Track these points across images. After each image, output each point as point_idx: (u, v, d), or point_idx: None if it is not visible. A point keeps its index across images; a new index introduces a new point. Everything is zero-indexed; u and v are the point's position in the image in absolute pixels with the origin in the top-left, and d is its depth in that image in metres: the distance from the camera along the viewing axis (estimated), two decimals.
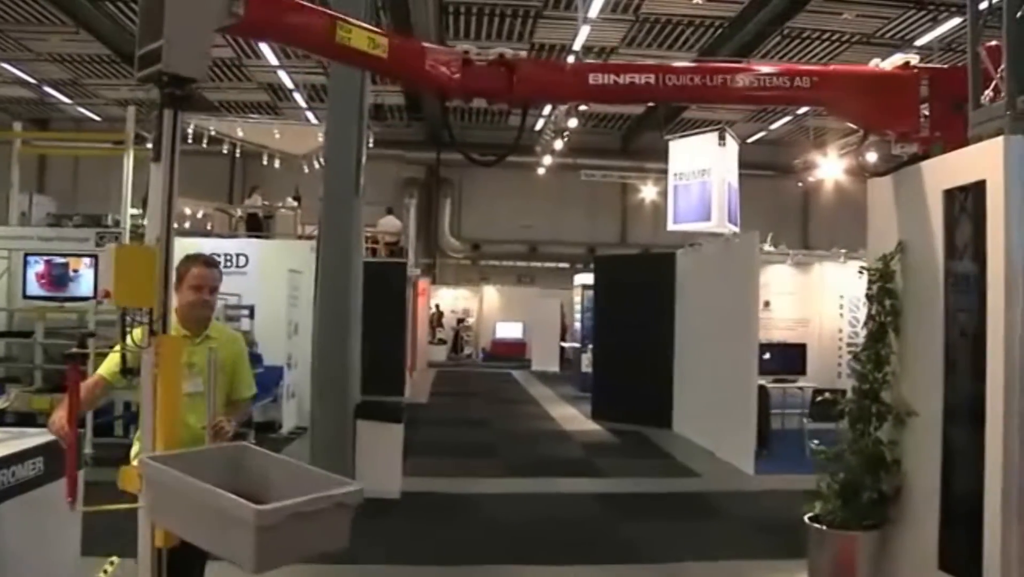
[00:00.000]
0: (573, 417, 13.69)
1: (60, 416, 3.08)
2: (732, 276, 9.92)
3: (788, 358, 11.19)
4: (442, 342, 25.85)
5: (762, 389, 9.96)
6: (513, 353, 25.31)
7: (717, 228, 11.29)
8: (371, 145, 8.70)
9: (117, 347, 3.08)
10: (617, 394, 12.58)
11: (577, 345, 18.71)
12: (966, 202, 4.06)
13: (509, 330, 26.21)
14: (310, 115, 20.15)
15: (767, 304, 12.39)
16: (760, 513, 7.54)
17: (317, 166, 13.56)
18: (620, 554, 6.07)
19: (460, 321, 27.04)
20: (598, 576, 5.65)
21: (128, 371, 3.07)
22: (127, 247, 4.20)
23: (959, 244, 4.12)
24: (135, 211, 10.27)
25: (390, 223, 16.62)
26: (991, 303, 3.80)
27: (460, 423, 12.88)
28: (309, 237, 11.96)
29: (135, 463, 2.86)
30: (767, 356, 10.26)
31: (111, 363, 3.28)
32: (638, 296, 12.41)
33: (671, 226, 11.91)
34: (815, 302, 12.46)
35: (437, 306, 26.23)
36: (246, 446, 3.10)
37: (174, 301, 3.17)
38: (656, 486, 8.58)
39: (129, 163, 10.20)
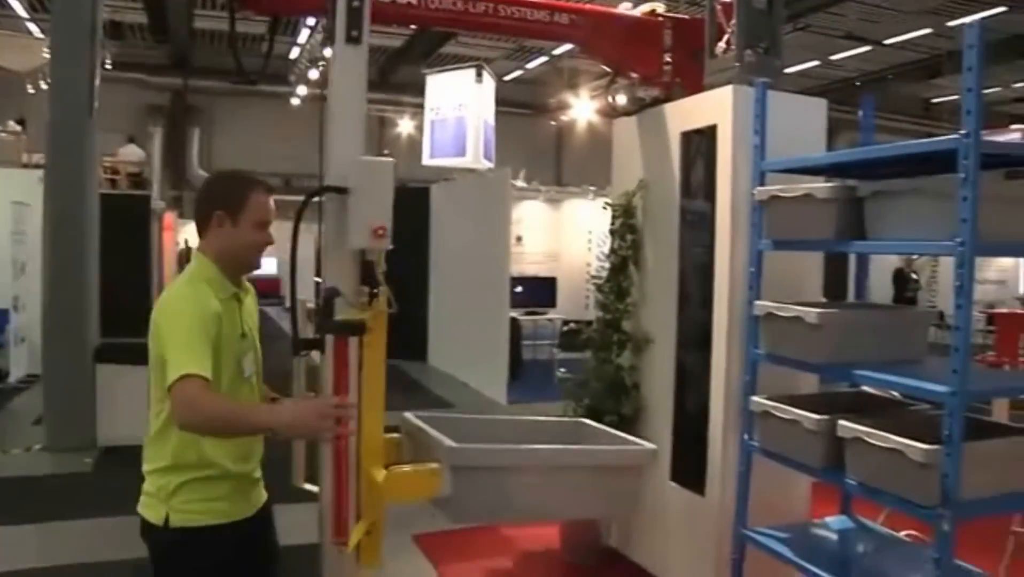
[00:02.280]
0: None
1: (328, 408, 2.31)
2: (485, 211, 10.13)
3: (539, 291, 11.66)
4: None
5: (514, 321, 10.32)
6: (269, 289, 24.54)
7: (472, 164, 11.42)
8: (108, 66, 7.99)
9: None
10: None
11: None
12: (700, 144, 4.35)
13: (263, 266, 25.33)
14: (32, 27, 18.13)
15: (519, 239, 12.79)
16: None
17: (44, 86, 12.27)
18: None
19: None
20: None
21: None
22: None
23: (693, 183, 4.42)
24: None
25: (132, 152, 15.44)
26: (719, 239, 4.12)
27: None
28: (37, 166, 10.88)
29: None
30: (519, 289, 10.63)
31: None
32: (394, 230, 12.36)
33: (427, 161, 11.90)
34: (565, 237, 13.00)
35: (186, 241, 24.82)
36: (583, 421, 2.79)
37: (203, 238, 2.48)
38: None
39: None
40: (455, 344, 11.32)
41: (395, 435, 2.64)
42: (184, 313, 2.31)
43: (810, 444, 3.35)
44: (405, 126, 24.09)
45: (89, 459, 6.72)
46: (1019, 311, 5.52)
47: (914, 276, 15.44)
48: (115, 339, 7.54)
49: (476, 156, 11.39)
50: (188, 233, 24.93)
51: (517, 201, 12.32)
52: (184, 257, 24.39)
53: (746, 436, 3.79)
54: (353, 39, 2.54)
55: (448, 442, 2.34)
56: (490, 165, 11.63)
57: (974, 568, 3.50)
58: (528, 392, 9.48)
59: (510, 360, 9.83)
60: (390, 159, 2.51)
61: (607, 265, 4.96)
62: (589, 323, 5.12)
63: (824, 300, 4.23)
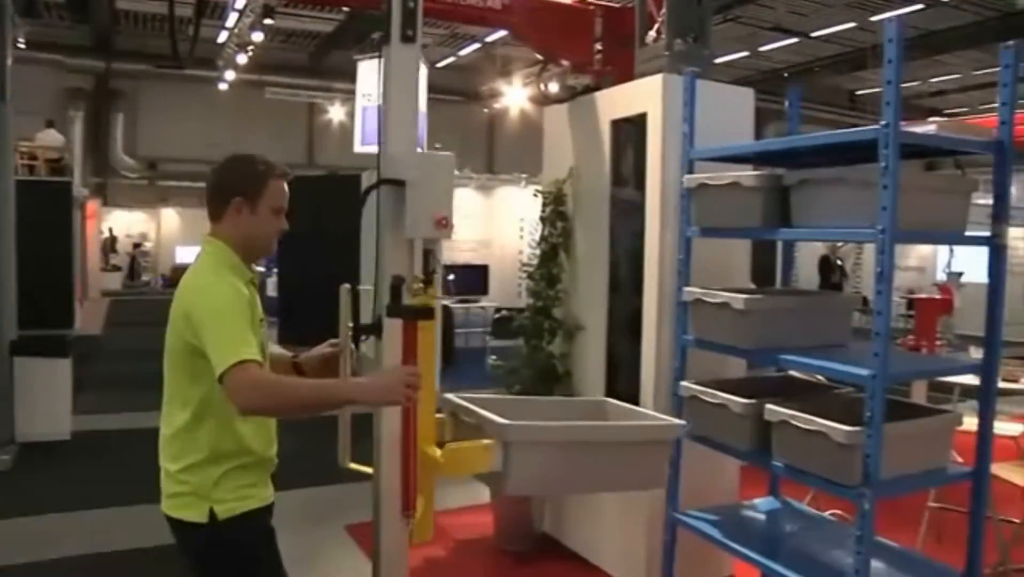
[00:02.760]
0: None
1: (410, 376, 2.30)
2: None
3: (472, 279, 11.65)
4: (116, 269, 23.95)
5: (446, 309, 10.30)
6: None
7: None
8: (22, 45, 7.68)
9: None
10: (305, 318, 12.36)
11: (263, 269, 18.14)
12: (630, 132, 4.38)
13: (191, 254, 24.62)
14: None
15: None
16: None
17: None
18: (315, 476, 5.97)
19: (137, 246, 25.17)
20: (295, 501, 5.52)
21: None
22: None
23: (624, 171, 4.45)
24: None
25: (50, 137, 14.92)
26: (648, 226, 4.16)
27: (139, 354, 12.02)
28: None
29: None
30: (451, 277, 10.61)
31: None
32: (325, 217, 12.23)
33: (358, 148, 11.77)
34: (497, 225, 13.00)
35: (110, 230, 24.19)
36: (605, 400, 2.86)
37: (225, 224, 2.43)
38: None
39: None
40: (388, 332, 11.21)
41: (440, 415, 2.73)
42: (225, 300, 2.27)
43: (738, 428, 3.42)
44: (336, 113, 23.81)
45: (7, 456, 6.50)
46: (937, 296, 5.72)
47: (839, 263, 15.83)
48: (34, 332, 7.32)
49: None
50: (112, 221, 24.33)
51: None
52: (109, 245, 23.79)
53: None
54: (408, 38, 2.64)
55: (500, 420, 2.46)
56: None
57: (893, 543, 3.61)
58: (461, 379, 9.42)
59: (443, 348, 9.79)
60: (449, 153, 2.60)
61: (538, 252, 4.97)
62: (521, 310, 5.13)
63: (752, 286, 4.31)
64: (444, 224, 2.50)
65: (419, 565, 4.62)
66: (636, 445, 2.66)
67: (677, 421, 2.87)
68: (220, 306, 2.25)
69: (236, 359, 2.14)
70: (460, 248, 12.96)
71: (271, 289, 16.12)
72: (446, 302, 10.23)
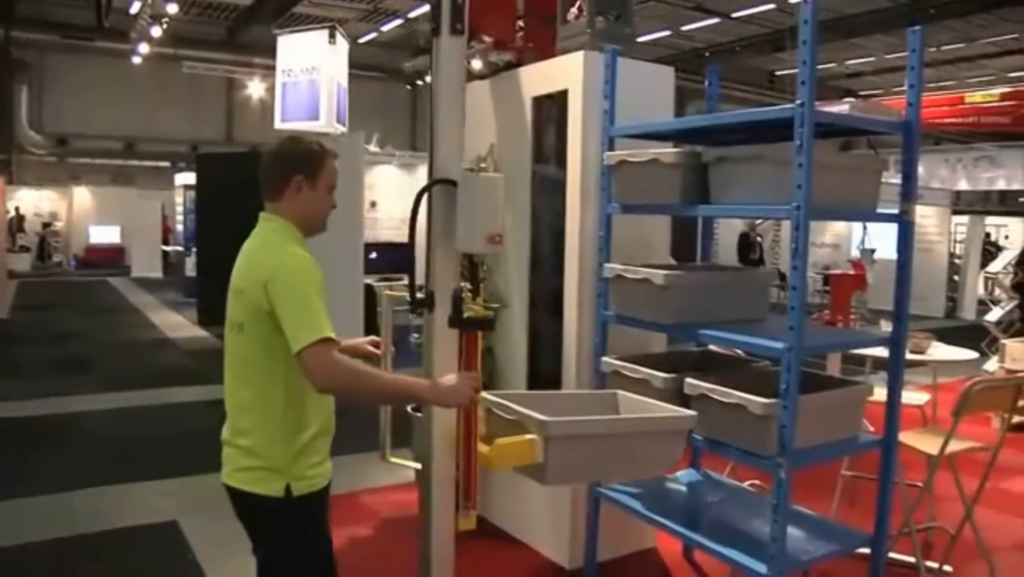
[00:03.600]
0: (178, 324, 13.07)
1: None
2: (339, 176, 9.92)
3: (395, 257, 11.54)
4: (25, 249, 23.08)
5: (369, 288, 10.19)
6: (110, 259, 23.41)
7: (325, 128, 11.16)
8: None
9: None
10: (224, 298, 12.16)
11: (181, 249, 17.73)
12: (552, 109, 4.39)
13: (105, 234, 24.13)
14: None
15: (373, 204, 12.64)
16: (373, 408, 7.81)
17: None
18: None
19: (46, 225, 24.27)
20: (218, 482, 5.46)
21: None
22: None
23: (545, 147, 4.46)
24: None
25: None
26: (569, 203, 4.18)
27: (50, 338, 11.69)
28: None
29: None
30: (374, 256, 10.49)
31: None
32: (244, 196, 11.94)
33: (278, 124, 11.53)
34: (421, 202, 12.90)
35: (17, 209, 23.27)
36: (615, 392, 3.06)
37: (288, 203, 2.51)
38: None
39: None
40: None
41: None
42: (304, 273, 2.33)
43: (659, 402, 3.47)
44: (255, 88, 23.30)
45: None
46: (851, 272, 5.91)
47: (758, 240, 16.19)
48: None
49: (329, 120, 11.13)
50: (19, 200, 23.40)
51: (371, 166, 12.16)
52: (16, 225, 22.88)
53: None
54: (457, 31, 2.73)
55: (542, 416, 2.66)
56: (343, 129, 11.39)
57: (809, 511, 3.73)
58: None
59: (365, 327, 9.68)
60: (500, 175, 2.78)
61: None
62: None
63: (672, 263, 4.37)
64: (498, 241, 2.69)
65: (343, 545, 4.59)
66: (660, 435, 2.93)
67: (689, 413, 3.04)
68: (302, 279, 2.31)
69: (318, 336, 2.20)
70: (383, 226, 12.86)
71: (189, 269, 15.81)
72: (369, 281, 10.13)
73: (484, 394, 2.87)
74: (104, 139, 23.55)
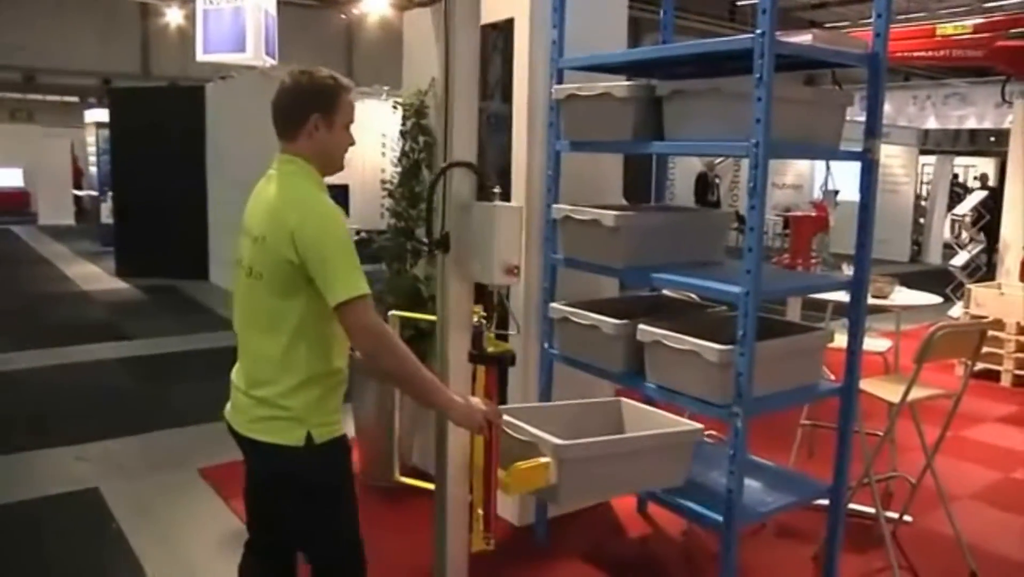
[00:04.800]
0: (95, 276, 12.82)
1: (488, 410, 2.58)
2: (268, 113, 9.73)
3: (332, 199, 11.43)
4: None
5: None
6: (13, 205, 22.77)
7: (253, 60, 10.95)
8: None
9: None
10: (145, 246, 12.00)
11: (95, 193, 17.33)
12: (497, 40, 4.35)
13: (4, 178, 23.44)
14: None
15: None
16: None
17: None
18: (162, 420, 5.92)
19: None
20: (141, 446, 5.45)
21: None
22: None
23: (490, 81, 4.43)
24: None
25: None
26: (515, 140, 4.17)
27: None
28: None
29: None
30: None
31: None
32: (164, 135, 11.75)
33: (200, 56, 11.29)
34: (358, 141, 12.73)
35: None
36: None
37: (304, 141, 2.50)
38: (195, 343, 8.45)
39: None
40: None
41: None
42: (336, 223, 2.35)
43: (610, 349, 3.53)
44: (173, 16, 22.62)
45: None
46: (812, 214, 6.00)
47: (716, 181, 16.33)
48: None
49: (257, 52, 10.91)
50: None
51: None
52: None
53: (546, 344, 3.94)
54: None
55: (555, 440, 2.86)
56: (273, 62, 11.18)
57: (766, 461, 3.85)
58: None
59: None
60: (520, 205, 2.91)
61: (399, 170, 4.93)
62: (383, 232, 5.09)
63: (625, 203, 4.40)
64: (515, 272, 2.81)
65: None
66: (668, 449, 3.14)
67: (696, 426, 3.19)
68: (335, 230, 2.33)
69: (360, 291, 2.27)
70: None
71: (105, 216, 15.47)
72: None
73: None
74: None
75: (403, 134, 4.87)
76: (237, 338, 2.58)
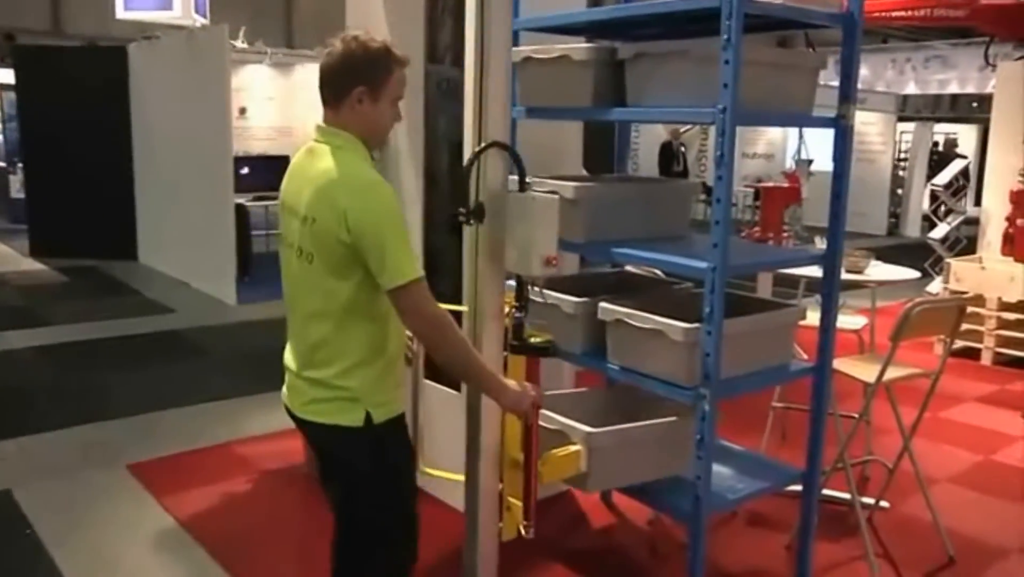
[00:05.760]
0: (5, 256, 12.59)
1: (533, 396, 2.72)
2: (199, 78, 9.64)
3: (270, 172, 11.30)
4: None
5: (241, 208, 10.05)
6: None
7: (180, 19, 10.82)
8: None
9: None
10: (63, 223, 11.79)
11: (2, 165, 16.98)
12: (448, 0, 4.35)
13: None
14: None
15: (243, 111, 12.35)
16: (246, 346, 7.89)
17: None
18: (85, 412, 5.86)
19: None
20: (61, 443, 5.37)
21: None
22: None
23: (441, 44, 4.43)
24: None
25: None
26: (468, 107, 4.17)
27: None
28: None
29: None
30: (245, 171, 10.33)
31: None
32: (82, 100, 11.53)
33: (122, 14, 11.11)
34: (299, 109, 12.67)
35: None
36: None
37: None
38: (121, 328, 8.36)
39: None
40: (170, 238, 10.88)
41: None
42: (390, 203, 2.43)
43: (570, 329, 3.57)
44: None
45: None
46: (783, 185, 6.09)
47: (682, 150, 16.42)
48: None
49: (185, 9, 10.78)
50: None
51: (238, 66, 11.82)
52: None
53: None
54: None
55: (586, 427, 3.14)
56: (204, 21, 11.04)
57: (736, 446, 3.92)
58: (262, 290, 9.36)
59: (238, 254, 9.62)
60: (555, 197, 2.99)
61: None
62: None
63: (585, 174, 4.44)
64: (554, 263, 2.94)
65: (218, 503, 4.62)
66: (682, 436, 3.31)
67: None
68: (389, 210, 2.41)
69: (415, 275, 2.38)
70: (255, 136, 12.59)
71: (16, 190, 15.17)
72: (241, 200, 9.97)
73: None
74: None
75: None
76: (288, 319, 2.69)
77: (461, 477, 3.18)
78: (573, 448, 3.12)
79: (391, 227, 2.38)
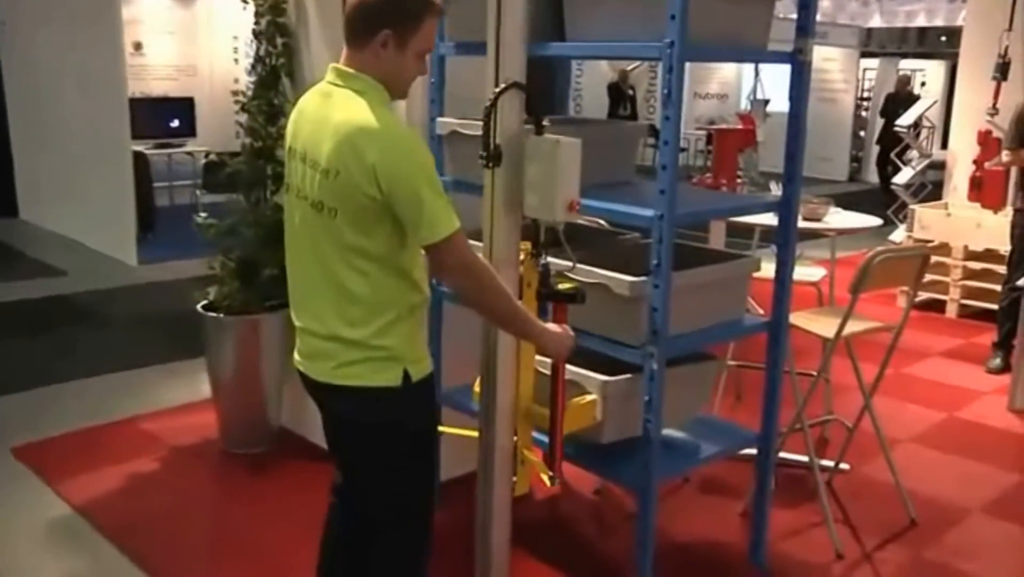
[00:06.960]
0: None
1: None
2: (83, 8, 9.37)
3: (172, 116, 11.21)
4: None
5: (140, 157, 9.88)
6: None
7: None
8: None
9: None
10: None
11: None
12: None
13: None
14: None
15: (138, 47, 12.09)
16: (149, 310, 7.81)
17: None
18: None
19: None
20: None
21: None
22: None
23: None
24: None
25: None
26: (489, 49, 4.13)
27: None
28: None
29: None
30: (143, 115, 10.15)
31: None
32: None
33: None
34: (204, 44, 12.49)
35: None
36: None
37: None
38: (5, 293, 8.17)
39: None
40: (58, 192, 10.66)
41: None
42: (422, 152, 2.47)
43: (508, 284, 3.57)
44: None
45: None
46: (738, 127, 6.13)
47: (631, 92, 16.48)
48: None
49: None
50: None
51: None
52: None
53: (434, 280, 3.97)
54: None
55: (601, 376, 3.32)
56: None
57: None
58: (165, 248, 9.26)
59: (138, 209, 9.46)
60: (578, 140, 2.98)
61: (254, 79, 4.86)
62: (237, 154, 5.02)
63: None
64: (576, 208, 2.98)
65: (123, 486, 4.58)
66: (691, 381, 3.58)
67: (715, 357, 3.82)
68: (423, 160, 2.43)
69: (455, 227, 2.42)
70: (154, 76, 12.35)
71: None
72: (139, 148, 9.80)
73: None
74: None
75: (257, 35, 4.79)
76: (297, 278, 2.68)
77: (475, 433, 3.23)
78: (589, 397, 3.29)
79: (424, 179, 2.38)
